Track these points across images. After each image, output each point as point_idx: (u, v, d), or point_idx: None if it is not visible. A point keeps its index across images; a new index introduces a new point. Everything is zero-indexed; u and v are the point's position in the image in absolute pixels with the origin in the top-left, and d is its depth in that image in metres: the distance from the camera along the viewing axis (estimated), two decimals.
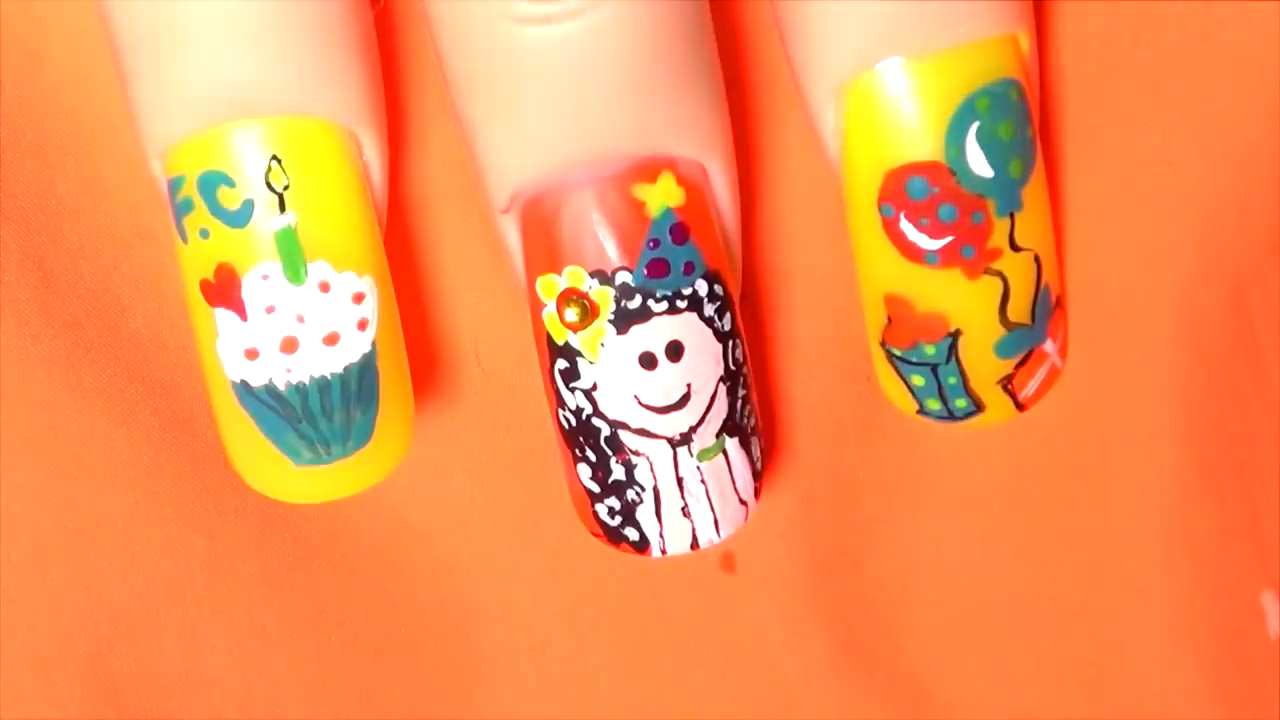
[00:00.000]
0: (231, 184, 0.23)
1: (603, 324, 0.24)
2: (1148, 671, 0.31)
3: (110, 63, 0.23)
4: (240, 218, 0.23)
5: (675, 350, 0.24)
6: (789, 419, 0.28)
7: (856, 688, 0.31)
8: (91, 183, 0.26)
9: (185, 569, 0.29)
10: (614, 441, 0.24)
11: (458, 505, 0.29)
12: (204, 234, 0.23)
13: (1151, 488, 0.29)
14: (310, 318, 0.23)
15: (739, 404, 0.25)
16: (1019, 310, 0.24)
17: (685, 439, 0.24)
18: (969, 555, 0.30)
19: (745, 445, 0.25)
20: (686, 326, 0.24)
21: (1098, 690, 0.31)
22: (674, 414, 0.24)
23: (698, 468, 0.24)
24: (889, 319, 0.25)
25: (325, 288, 0.23)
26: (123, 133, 0.24)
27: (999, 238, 0.24)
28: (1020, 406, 0.26)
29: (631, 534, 0.25)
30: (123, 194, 0.26)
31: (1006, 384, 0.25)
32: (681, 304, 0.24)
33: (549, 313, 0.24)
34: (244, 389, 0.23)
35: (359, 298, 0.23)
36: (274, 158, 0.23)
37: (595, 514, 0.25)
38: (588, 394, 0.24)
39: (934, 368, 0.25)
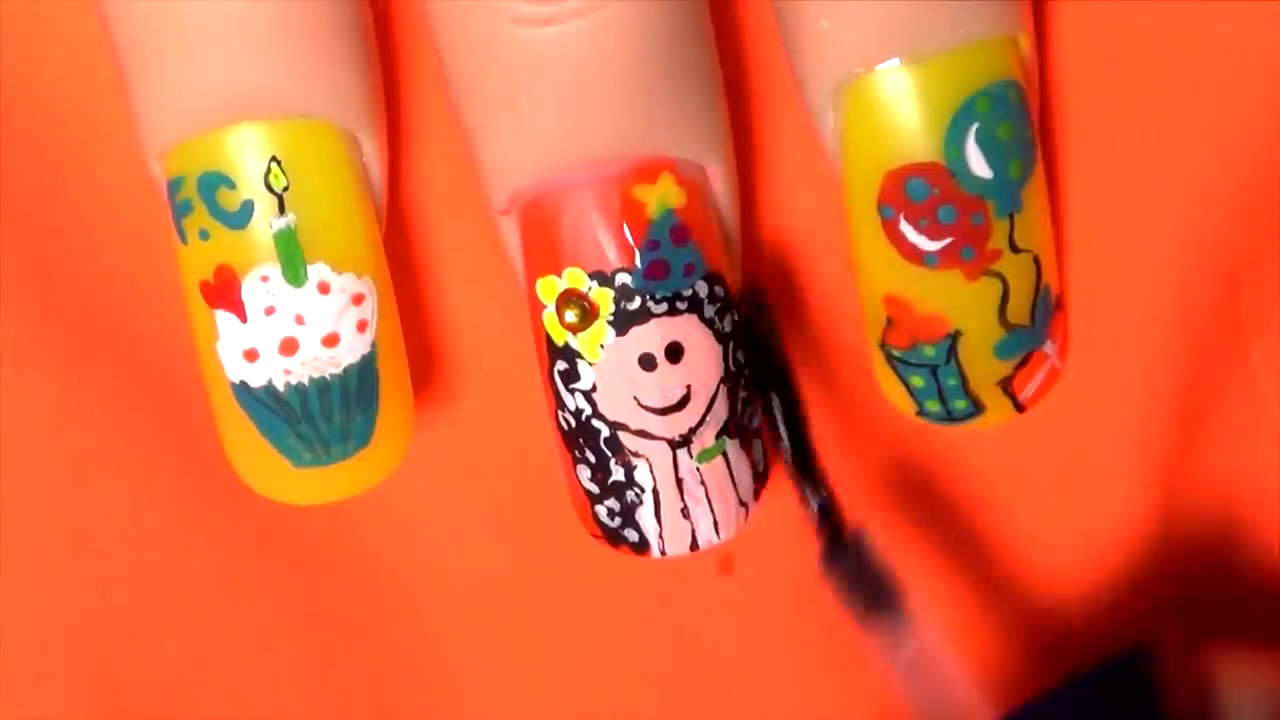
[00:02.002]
0: (231, 185, 0.23)
1: (602, 325, 0.24)
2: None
3: (110, 63, 0.23)
4: (240, 219, 0.23)
5: (675, 352, 0.24)
6: None
7: (855, 690, 0.31)
8: (91, 183, 0.26)
9: (185, 569, 0.29)
10: (613, 443, 0.24)
11: (457, 506, 0.29)
12: (203, 235, 0.23)
13: (1148, 487, 0.29)
14: (310, 319, 0.23)
15: (739, 405, 0.25)
16: (1019, 311, 0.24)
17: (685, 440, 0.24)
18: (968, 556, 0.30)
19: (746, 447, 0.25)
20: (687, 328, 0.24)
21: None
22: (673, 415, 0.24)
23: (697, 469, 0.24)
24: (888, 320, 0.25)
25: (325, 289, 0.23)
26: (123, 133, 0.24)
27: (998, 239, 0.24)
28: (1020, 407, 0.25)
29: (631, 535, 0.25)
30: (123, 194, 0.26)
31: (1006, 385, 0.25)
32: (682, 305, 0.24)
33: (548, 314, 0.24)
34: (243, 390, 0.23)
35: (358, 299, 0.24)
36: (273, 159, 0.23)
37: (595, 515, 0.25)
38: (587, 395, 0.24)
39: (933, 369, 0.25)
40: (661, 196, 0.23)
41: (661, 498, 0.24)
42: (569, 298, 0.24)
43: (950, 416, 0.25)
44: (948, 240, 0.24)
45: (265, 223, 0.23)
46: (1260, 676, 0.23)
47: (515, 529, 0.29)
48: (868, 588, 0.23)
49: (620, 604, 0.30)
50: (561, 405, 0.24)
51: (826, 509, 0.23)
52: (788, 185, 0.27)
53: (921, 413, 0.26)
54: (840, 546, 0.23)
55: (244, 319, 0.23)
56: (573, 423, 0.24)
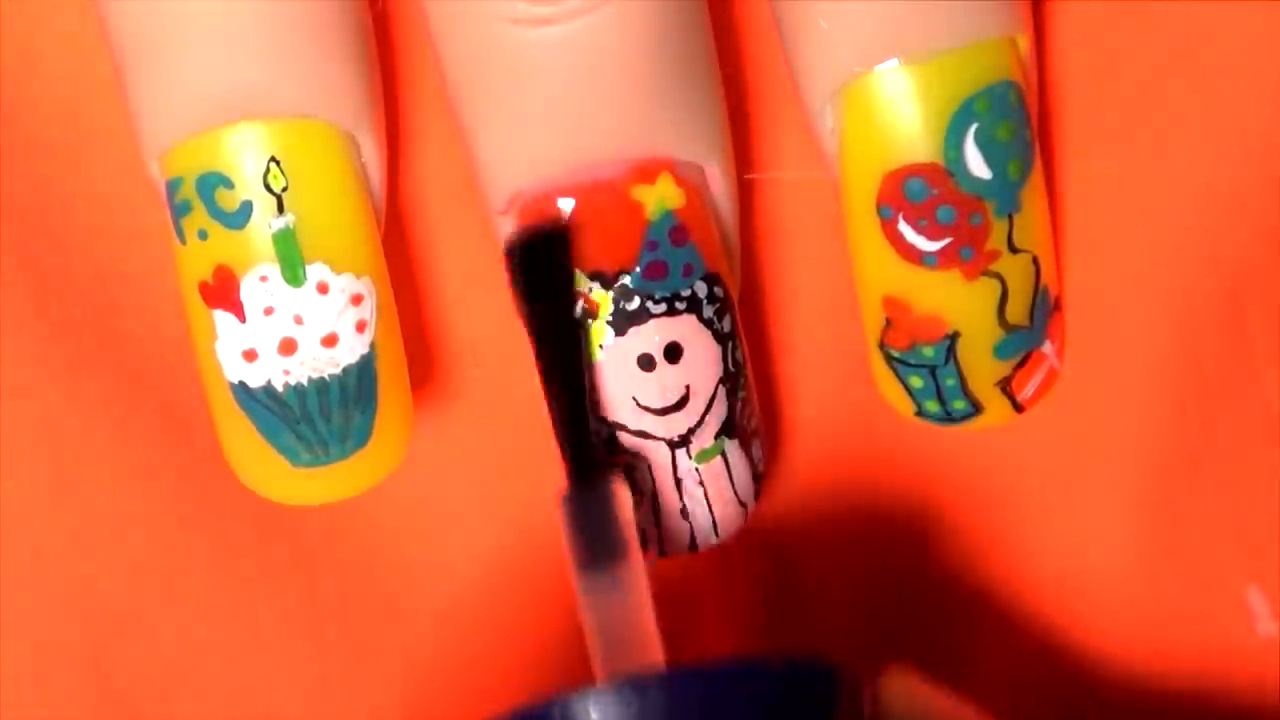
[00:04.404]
0: (230, 185, 0.23)
1: (601, 326, 0.24)
2: (1137, 668, 0.30)
3: (109, 64, 0.23)
4: (238, 219, 0.23)
5: (674, 352, 0.24)
6: (787, 421, 0.28)
7: None
8: (90, 184, 0.26)
9: (185, 569, 0.29)
10: (612, 443, 0.24)
11: (456, 506, 0.29)
12: (202, 235, 0.23)
13: (1146, 487, 0.29)
14: (308, 319, 0.23)
15: (738, 406, 0.25)
16: (1017, 312, 0.24)
17: (684, 441, 0.24)
18: (967, 556, 0.30)
19: (745, 447, 0.25)
20: (685, 328, 0.24)
21: (1091, 688, 0.31)
22: (672, 416, 0.24)
23: (696, 469, 0.24)
24: (887, 320, 0.25)
25: (323, 289, 0.23)
26: (121, 134, 0.24)
27: (997, 239, 0.24)
28: (1019, 408, 0.25)
29: None
30: (122, 195, 0.26)
31: (1005, 386, 0.25)
32: (680, 306, 0.24)
33: None
34: (242, 390, 0.23)
35: (357, 299, 0.24)
36: (272, 159, 0.23)
37: None
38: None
39: (932, 369, 0.25)
40: (660, 197, 0.23)
41: (660, 498, 0.24)
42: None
43: (949, 417, 0.25)
44: (946, 241, 0.24)
45: (264, 223, 0.23)
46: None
47: (515, 529, 0.29)
48: (597, 536, 0.22)
49: None
50: None
51: (582, 448, 0.23)
52: (787, 186, 0.27)
53: (920, 413, 0.26)
54: (585, 488, 0.23)
55: (243, 319, 0.23)
56: None
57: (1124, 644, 0.30)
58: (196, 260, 0.23)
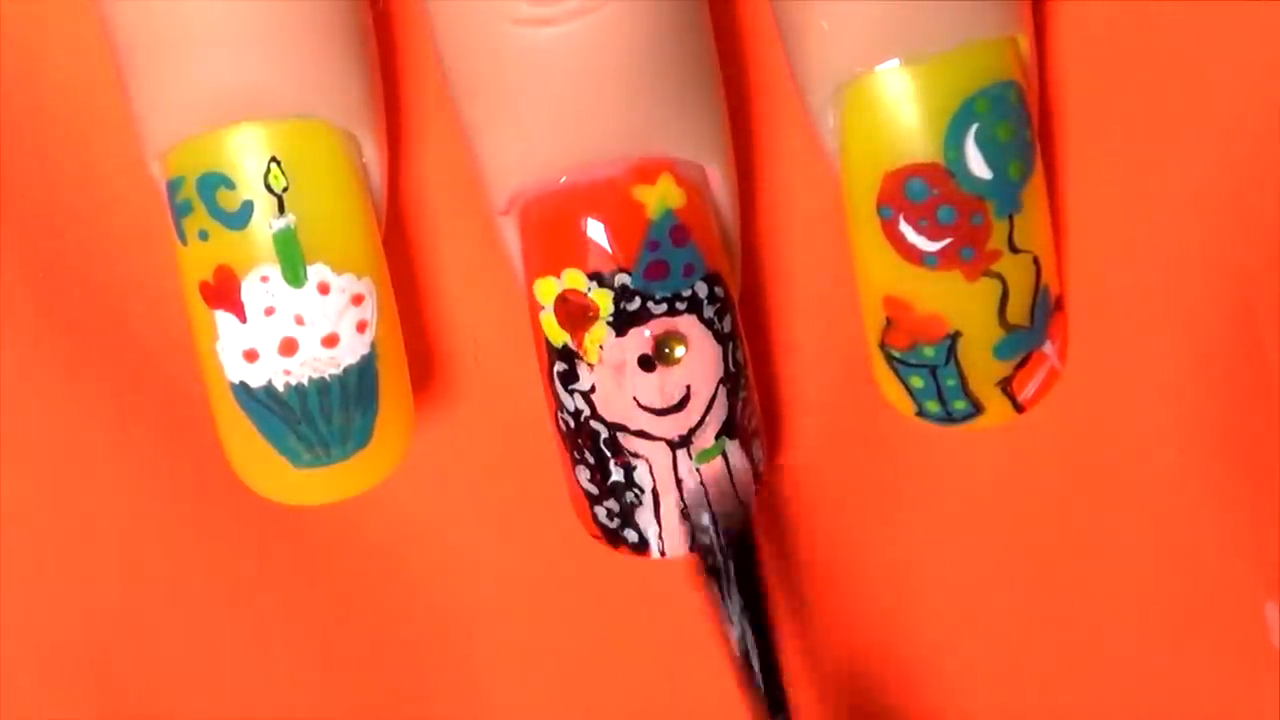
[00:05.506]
0: (231, 185, 0.23)
1: (602, 326, 0.24)
2: (1148, 679, 0.30)
3: (110, 63, 0.23)
4: (239, 219, 0.23)
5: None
6: (788, 421, 0.28)
7: (856, 689, 0.31)
8: (92, 183, 0.26)
9: (185, 569, 0.29)
10: (613, 444, 0.24)
11: (457, 506, 0.29)
12: (203, 235, 0.23)
13: (1152, 492, 0.29)
14: (309, 319, 0.23)
15: (739, 406, 0.25)
16: (1018, 312, 0.24)
17: (684, 441, 0.24)
18: (968, 558, 0.30)
19: (745, 447, 0.25)
20: (686, 328, 0.24)
21: (1097, 695, 0.31)
22: (673, 416, 0.24)
23: (696, 470, 0.24)
24: (888, 320, 0.25)
25: (324, 289, 0.23)
26: (123, 133, 0.24)
27: (998, 239, 0.24)
28: (1019, 408, 0.25)
29: (630, 536, 0.25)
30: (123, 195, 0.26)
31: (1006, 386, 0.25)
32: (681, 306, 0.24)
33: (546, 315, 0.24)
34: (243, 391, 0.23)
35: (358, 299, 0.24)
36: (273, 159, 0.23)
37: (594, 516, 0.25)
38: (586, 396, 0.24)
39: (933, 369, 0.25)
40: (661, 197, 0.23)
41: (661, 498, 0.24)
42: (568, 298, 0.24)
43: (950, 417, 0.25)
44: (947, 241, 0.24)
45: (265, 223, 0.23)
46: None
47: (515, 529, 0.29)
48: None
49: (620, 604, 0.30)
50: (561, 406, 0.24)
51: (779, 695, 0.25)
52: (787, 186, 0.27)
53: (921, 413, 0.26)
54: None
55: (243, 319, 0.23)
56: (572, 424, 0.24)
57: (1138, 655, 0.30)
58: (197, 260, 0.23)
